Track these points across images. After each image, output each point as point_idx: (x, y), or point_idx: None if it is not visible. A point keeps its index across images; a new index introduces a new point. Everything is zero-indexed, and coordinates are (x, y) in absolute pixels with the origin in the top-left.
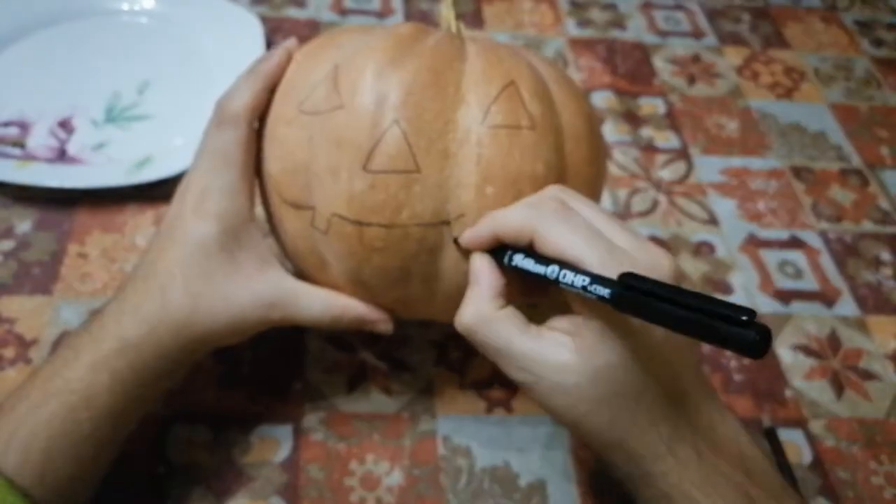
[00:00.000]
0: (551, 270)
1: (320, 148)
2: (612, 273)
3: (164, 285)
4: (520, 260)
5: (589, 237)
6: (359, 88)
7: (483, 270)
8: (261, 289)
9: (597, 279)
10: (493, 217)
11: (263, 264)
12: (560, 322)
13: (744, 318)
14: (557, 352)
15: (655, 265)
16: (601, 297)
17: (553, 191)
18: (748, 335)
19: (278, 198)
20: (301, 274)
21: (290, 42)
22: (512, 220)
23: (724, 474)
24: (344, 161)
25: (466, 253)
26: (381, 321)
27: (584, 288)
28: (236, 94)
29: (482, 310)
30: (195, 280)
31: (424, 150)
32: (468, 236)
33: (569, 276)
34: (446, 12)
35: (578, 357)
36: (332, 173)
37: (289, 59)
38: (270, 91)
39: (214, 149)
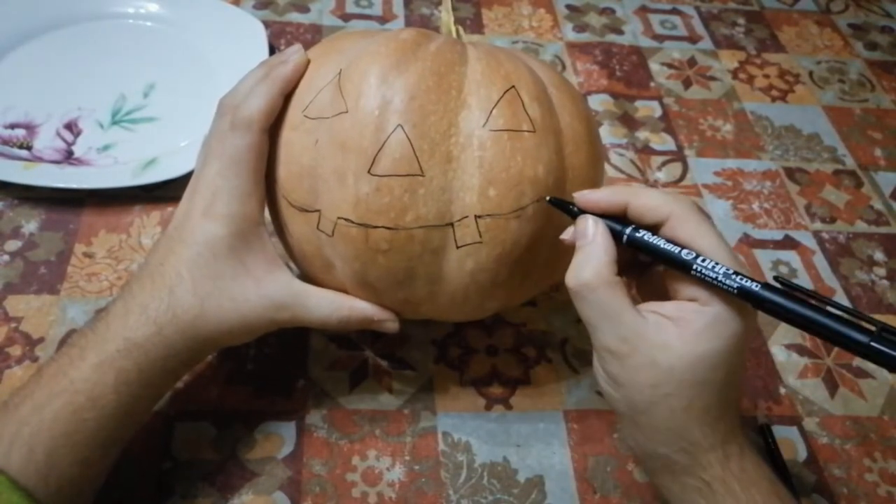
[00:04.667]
0: (687, 252)
1: (326, 152)
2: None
3: (171, 286)
4: (649, 235)
5: (719, 238)
6: (363, 93)
7: (601, 233)
8: (269, 291)
9: (738, 272)
10: (626, 188)
11: (271, 266)
12: (664, 307)
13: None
14: (661, 331)
15: None
16: (742, 288)
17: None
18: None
19: (284, 201)
20: (306, 276)
21: (297, 47)
22: (650, 197)
23: (759, 473)
24: (349, 165)
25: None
26: (388, 320)
27: (725, 274)
28: (252, 99)
29: (603, 272)
30: (203, 281)
31: (428, 153)
32: (589, 197)
33: (709, 262)
34: (446, 17)
35: (681, 341)
36: (337, 177)
37: (306, 65)
38: (286, 97)
39: (227, 152)
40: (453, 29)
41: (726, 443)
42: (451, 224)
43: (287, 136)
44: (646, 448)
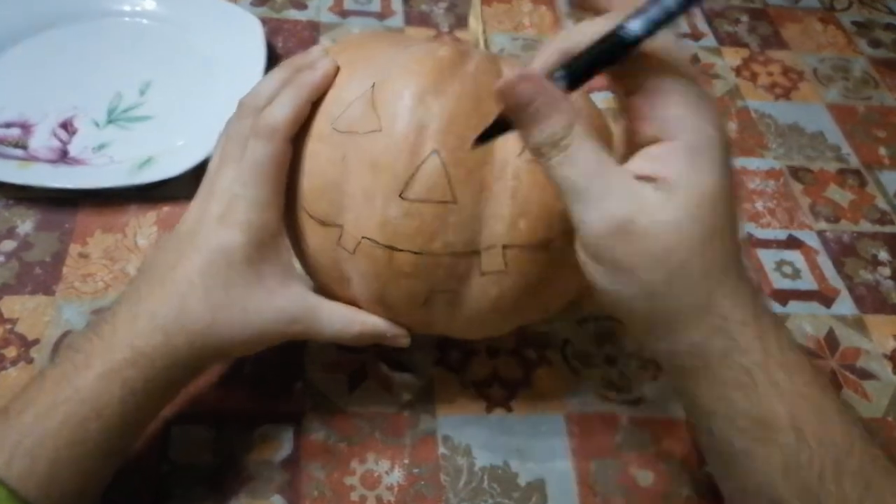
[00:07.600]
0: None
1: (354, 169)
2: None
3: (183, 293)
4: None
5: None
6: (399, 113)
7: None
8: (283, 303)
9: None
10: (553, 46)
11: (286, 278)
12: (638, 162)
13: None
14: (653, 187)
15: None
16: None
17: None
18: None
19: (304, 212)
20: (319, 286)
21: (320, 50)
22: None
23: (798, 355)
24: (379, 186)
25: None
26: (400, 336)
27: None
28: (277, 107)
29: (574, 123)
30: (216, 290)
31: (463, 181)
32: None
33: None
34: (474, 25)
35: (675, 189)
36: (365, 196)
37: (335, 72)
38: (313, 105)
39: (247, 159)
40: (481, 38)
41: (757, 316)
42: (478, 251)
43: (312, 147)
44: (673, 344)
